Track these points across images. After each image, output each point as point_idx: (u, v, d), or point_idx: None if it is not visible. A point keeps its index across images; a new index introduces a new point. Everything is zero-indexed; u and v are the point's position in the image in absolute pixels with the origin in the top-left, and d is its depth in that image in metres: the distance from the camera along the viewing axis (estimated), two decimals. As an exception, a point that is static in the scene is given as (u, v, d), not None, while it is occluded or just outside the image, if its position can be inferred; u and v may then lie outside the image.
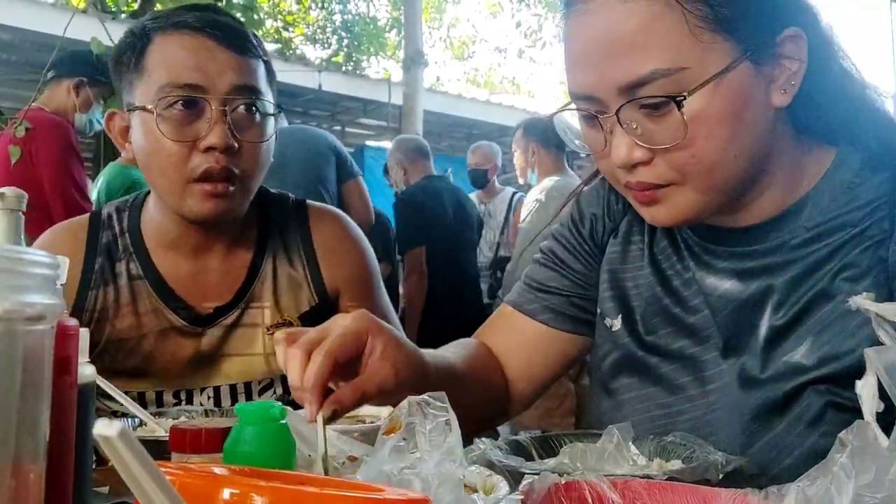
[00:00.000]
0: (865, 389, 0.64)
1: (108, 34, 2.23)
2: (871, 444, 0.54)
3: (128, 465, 0.34)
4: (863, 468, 0.53)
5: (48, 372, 0.45)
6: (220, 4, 2.39)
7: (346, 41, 13.84)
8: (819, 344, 0.83)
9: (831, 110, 0.87)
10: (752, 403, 0.85)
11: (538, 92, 19.45)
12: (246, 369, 1.27)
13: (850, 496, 0.52)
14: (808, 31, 0.81)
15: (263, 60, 1.22)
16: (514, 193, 4.59)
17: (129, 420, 1.04)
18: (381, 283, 1.43)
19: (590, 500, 0.60)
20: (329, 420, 0.74)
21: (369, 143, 9.27)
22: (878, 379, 0.63)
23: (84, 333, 0.54)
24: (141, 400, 1.24)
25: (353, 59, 13.57)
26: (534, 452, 0.82)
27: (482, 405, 1.02)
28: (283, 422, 0.67)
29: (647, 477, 0.66)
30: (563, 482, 0.62)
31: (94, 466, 0.75)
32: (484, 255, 4.40)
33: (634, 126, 0.80)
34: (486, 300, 4.12)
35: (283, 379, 1.29)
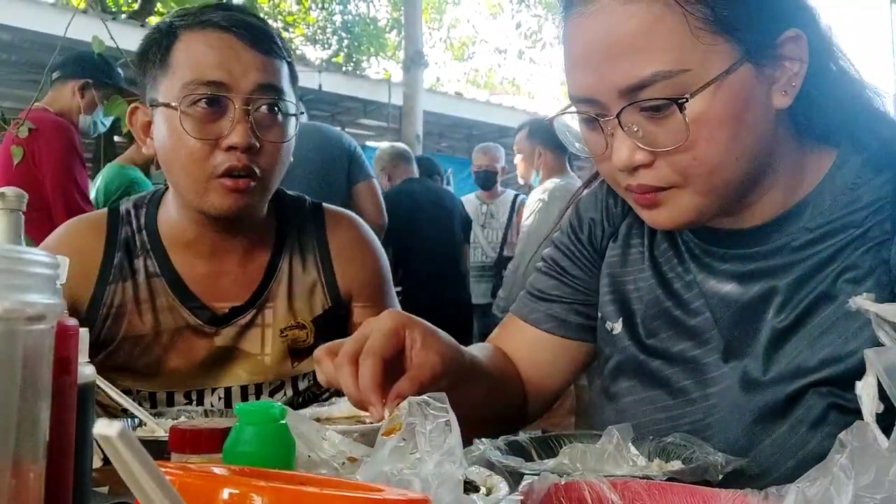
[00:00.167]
0: (865, 390, 0.64)
1: (109, 34, 2.23)
2: (871, 444, 0.54)
3: (128, 465, 0.34)
4: (862, 469, 0.53)
5: (48, 372, 0.45)
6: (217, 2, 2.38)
7: (346, 42, 13.85)
8: (821, 346, 0.83)
9: (832, 111, 0.87)
10: (754, 406, 0.85)
11: (538, 93, 19.47)
12: (258, 370, 1.27)
13: (849, 497, 0.52)
14: (808, 32, 0.81)
15: (287, 61, 1.23)
16: (515, 195, 4.67)
17: (129, 420, 1.04)
18: (392, 287, 1.44)
19: (589, 501, 0.60)
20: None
21: (369, 143, 9.27)
22: (878, 380, 0.63)
23: (84, 333, 0.54)
24: (152, 400, 1.25)
25: (354, 59, 13.58)
26: (533, 453, 0.82)
27: (510, 400, 1.04)
28: (283, 422, 0.67)
29: (647, 478, 0.66)
30: (563, 483, 0.62)
31: (101, 465, 0.75)
32: (487, 254, 4.48)
33: (636, 129, 0.80)
34: (488, 299, 4.19)
35: (294, 380, 1.30)
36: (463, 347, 0.93)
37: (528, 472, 0.69)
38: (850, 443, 0.54)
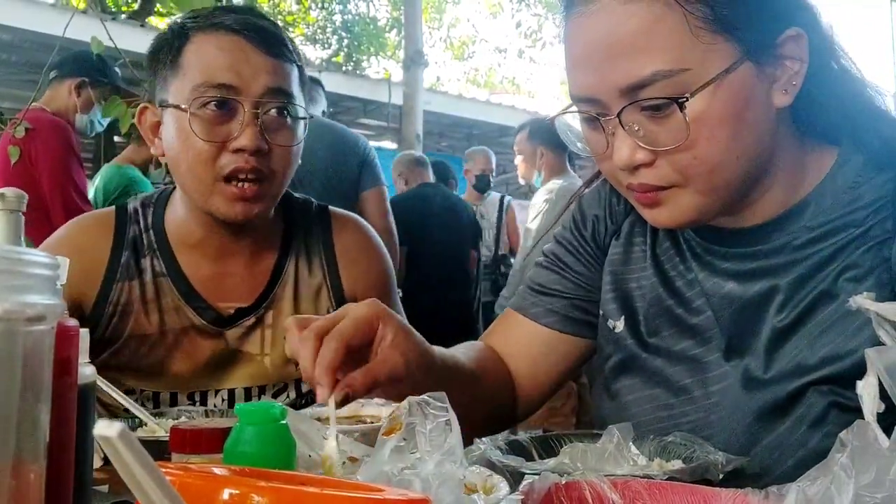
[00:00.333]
0: (866, 390, 0.64)
1: (108, 34, 2.22)
2: (872, 444, 0.54)
3: (128, 466, 0.34)
4: (863, 468, 0.53)
5: (48, 372, 0.45)
6: (219, 4, 2.38)
7: (346, 41, 13.85)
8: (822, 344, 0.83)
9: (832, 110, 0.87)
10: (755, 404, 0.85)
11: (538, 92, 19.47)
12: (261, 372, 1.28)
13: (850, 496, 0.52)
14: (808, 31, 0.81)
15: (297, 65, 1.23)
16: (501, 197, 4.92)
17: (130, 420, 1.04)
18: (396, 291, 1.44)
19: (590, 500, 0.60)
20: (340, 404, 0.76)
21: (370, 143, 9.28)
22: (879, 379, 0.63)
23: (84, 334, 0.54)
24: (155, 400, 1.25)
25: (354, 59, 13.59)
26: (534, 452, 0.82)
27: (490, 405, 1.03)
28: (284, 422, 0.67)
29: (648, 477, 0.66)
30: (564, 482, 0.62)
31: (100, 465, 0.75)
32: (482, 254, 4.58)
33: (636, 128, 0.80)
34: (488, 297, 4.31)
35: (297, 383, 1.30)
36: (439, 351, 0.93)
37: (528, 471, 0.69)
38: (851, 442, 0.54)
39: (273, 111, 1.18)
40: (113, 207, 1.32)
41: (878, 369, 0.62)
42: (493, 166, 4.93)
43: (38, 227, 1.95)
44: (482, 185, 4.90)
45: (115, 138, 4.79)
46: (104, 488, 0.78)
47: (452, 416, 0.66)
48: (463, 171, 5.08)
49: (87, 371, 0.56)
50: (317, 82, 3.30)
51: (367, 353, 0.82)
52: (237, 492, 0.42)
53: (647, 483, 0.64)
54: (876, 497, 0.51)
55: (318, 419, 0.93)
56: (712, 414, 0.88)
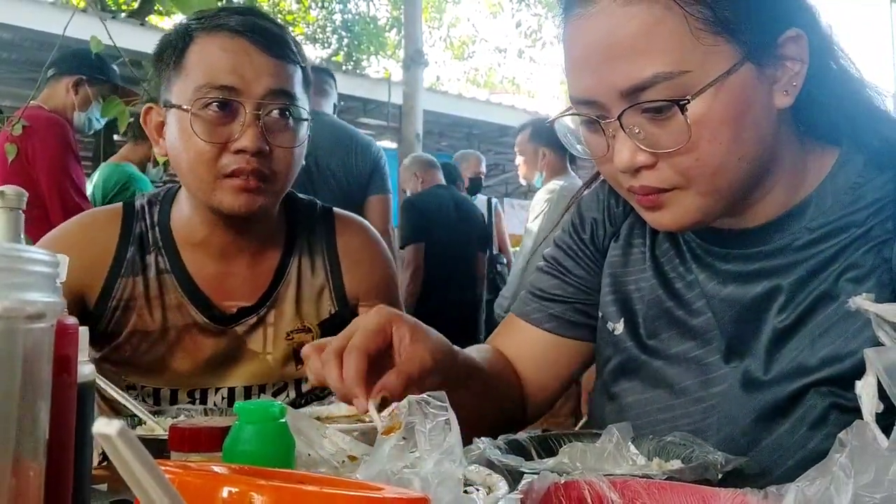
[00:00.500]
0: (865, 390, 0.64)
1: (108, 33, 2.22)
2: (871, 444, 0.54)
3: (127, 464, 0.34)
4: (862, 468, 0.53)
5: (48, 370, 0.45)
6: (219, 4, 2.38)
7: (346, 41, 13.85)
8: (822, 345, 0.83)
9: (833, 110, 0.87)
10: (755, 405, 0.85)
11: (538, 92, 19.47)
12: (262, 372, 1.28)
13: (849, 496, 0.52)
14: (808, 32, 0.81)
15: (301, 66, 1.23)
16: (489, 199, 5.09)
17: (129, 418, 1.04)
18: (398, 293, 1.45)
19: (589, 500, 0.60)
20: (381, 408, 0.76)
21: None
22: (878, 379, 0.63)
23: (84, 332, 0.54)
24: (156, 397, 1.25)
25: (353, 58, 13.58)
26: (533, 452, 0.82)
27: (503, 404, 1.03)
28: (283, 420, 0.67)
29: (647, 477, 0.66)
30: (563, 482, 0.62)
31: (102, 463, 0.75)
32: None
33: (637, 130, 0.80)
34: (486, 296, 4.41)
35: (297, 383, 1.30)
36: (457, 348, 0.93)
37: (527, 470, 0.69)
38: (850, 442, 0.54)
39: (275, 112, 1.18)
40: (121, 204, 1.33)
41: (877, 369, 0.62)
42: (484, 168, 5.11)
43: (36, 225, 1.95)
44: (475, 188, 5.04)
45: (115, 137, 4.78)
46: (103, 487, 0.78)
47: (452, 415, 0.66)
48: None
49: (86, 369, 0.56)
50: (328, 74, 3.30)
51: (390, 358, 0.82)
52: (236, 490, 0.42)
53: (647, 483, 0.64)
54: (875, 497, 0.51)
55: (318, 418, 0.93)
56: (712, 415, 0.88)
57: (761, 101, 0.80)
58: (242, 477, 0.49)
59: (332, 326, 1.31)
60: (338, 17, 14.12)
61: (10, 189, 0.73)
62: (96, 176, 3.34)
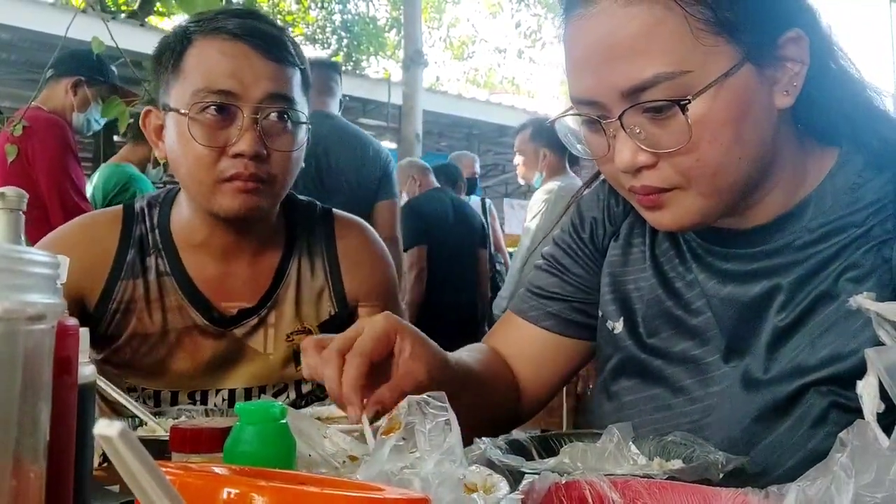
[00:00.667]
0: (866, 389, 0.64)
1: (109, 34, 2.23)
2: (872, 443, 0.54)
3: (128, 465, 0.34)
4: (863, 468, 0.53)
5: (48, 372, 0.45)
6: (219, 4, 2.38)
7: (345, 41, 13.85)
8: (822, 345, 0.83)
9: (833, 111, 0.87)
10: (755, 405, 0.85)
11: (538, 92, 19.47)
12: (262, 373, 1.28)
13: (850, 496, 0.52)
14: (809, 32, 0.81)
15: (300, 69, 1.23)
16: (483, 199, 5.28)
17: (130, 419, 1.04)
18: (398, 295, 1.45)
19: (590, 500, 0.60)
20: (373, 420, 0.75)
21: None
22: (879, 379, 0.63)
23: (84, 333, 0.54)
24: (156, 398, 1.25)
25: (353, 58, 13.59)
26: (534, 452, 0.82)
27: (498, 407, 1.03)
28: (284, 421, 0.67)
29: (648, 476, 0.66)
30: (564, 482, 0.62)
31: (101, 464, 0.75)
32: None
33: (638, 130, 0.80)
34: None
35: (297, 384, 1.31)
36: (451, 356, 0.93)
37: (528, 471, 0.69)
38: (851, 442, 0.54)
39: (273, 116, 1.18)
40: (121, 206, 1.33)
41: (878, 369, 0.62)
42: (478, 169, 5.28)
43: (36, 227, 1.95)
44: (470, 188, 5.13)
45: (115, 137, 4.78)
46: (115, 488, 0.78)
47: (452, 415, 0.66)
48: None
49: (86, 370, 0.56)
50: (335, 70, 3.29)
51: (387, 366, 0.82)
52: (237, 491, 0.42)
53: (647, 483, 0.64)
54: (876, 497, 0.51)
55: (318, 419, 0.93)
56: (712, 414, 0.88)
57: (762, 102, 0.80)
58: (243, 478, 0.49)
59: (331, 328, 1.31)
60: (337, 18, 14.13)
61: (10, 190, 0.74)
62: (96, 177, 3.34)
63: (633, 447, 0.81)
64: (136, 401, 1.09)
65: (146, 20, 5.97)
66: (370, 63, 14.83)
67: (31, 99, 2.76)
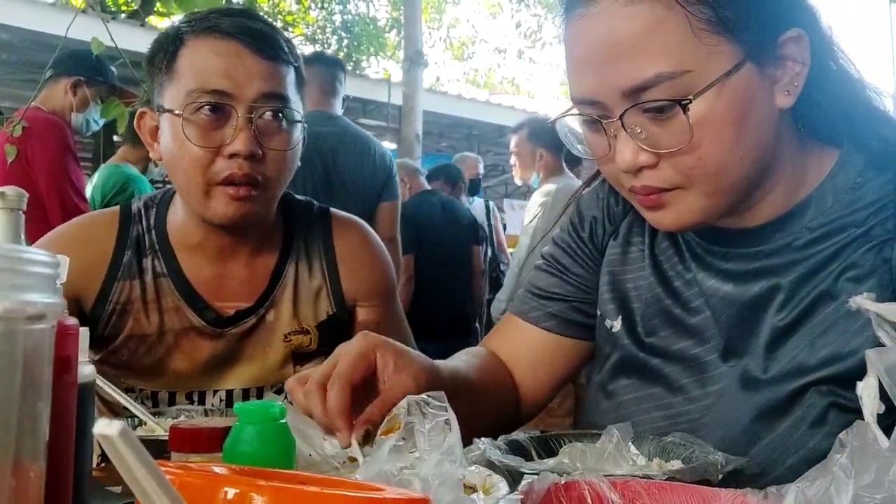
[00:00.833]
0: (866, 390, 0.64)
1: (109, 34, 2.22)
2: (871, 444, 0.54)
3: (128, 465, 0.34)
4: (862, 469, 0.53)
5: (48, 371, 0.45)
6: (219, 4, 2.38)
7: (345, 41, 13.85)
8: (822, 345, 0.83)
9: (833, 111, 0.87)
10: (754, 405, 0.85)
11: (538, 92, 19.46)
12: (260, 374, 1.28)
13: (849, 496, 0.52)
14: (809, 32, 0.81)
15: (294, 67, 1.22)
16: (486, 201, 5.37)
17: (130, 419, 1.05)
18: (397, 295, 1.45)
19: (589, 500, 0.60)
20: (364, 441, 0.75)
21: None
22: (879, 380, 0.63)
23: (84, 333, 0.54)
24: (154, 399, 1.25)
25: (353, 59, 13.58)
26: (533, 452, 0.82)
27: (494, 413, 1.03)
28: (283, 421, 0.67)
29: (647, 477, 0.66)
30: (563, 482, 0.62)
31: (100, 464, 0.75)
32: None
33: (639, 130, 0.80)
34: (488, 295, 4.51)
35: None
36: (443, 364, 0.93)
37: (527, 471, 0.69)
38: (850, 442, 0.54)
39: (267, 115, 1.17)
40: (118, 207, 1.33)
41: (878, 370, 0.62)
42: (482, 170, 5.32)
43: (35, 227, 1.95)
44: (474, 189, 5.17)
45: (115, 138, 4.79)
46: (117, 489, 0.78)
47: (451, 415, 0.66)
48: None
49: (86, 370, 0.56)
50: (340, 68, 3.29)
51: (375, 386, 0.82)
52: (237, 491, 0.42)
53: (647, 483, 0.64)
54: (875, 497, 0.51)
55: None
56: (710, 414, 0.88)
57: (763, 101, 0.80)
58: (243, 478, 0.49)
59: (329, 328, 1.31)
60: (337, 18, 14.14)
61: (10, 190, 0.74)
62: (96, 177, 3.34)
63: (632, 447, 0.81)
64: (134, 401, 1.09)
65: (146, 20, 5.97)
66: (370, 63, 14.85)
67: (31, 99, 2.76)
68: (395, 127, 7.73)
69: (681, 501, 0.62)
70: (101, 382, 1.01)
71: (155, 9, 5.95)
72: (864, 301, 0.69)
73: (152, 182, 3.40)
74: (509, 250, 5.22)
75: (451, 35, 18.31)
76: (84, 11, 3.77)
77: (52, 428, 0.45)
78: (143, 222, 1.29)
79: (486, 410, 0.99)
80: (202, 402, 1.26)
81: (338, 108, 3.16)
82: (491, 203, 5.46)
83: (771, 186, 0.88)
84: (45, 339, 0.44)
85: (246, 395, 1.28)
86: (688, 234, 0.96)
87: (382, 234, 2.20)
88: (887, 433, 0.56)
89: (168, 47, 1.19)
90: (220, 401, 1.27)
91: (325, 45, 13.78)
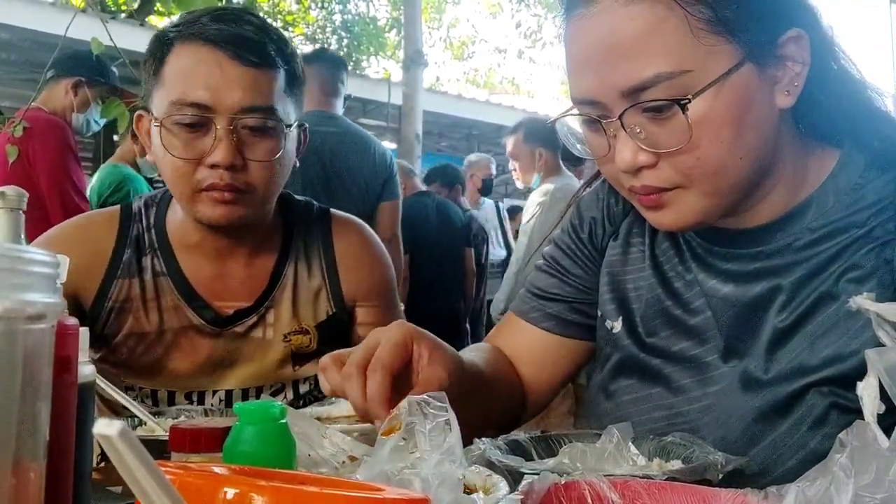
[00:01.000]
0: (866, 390, 0.64)
1: (108, 34, 2.22)
2: (871, 444, 0.54)
3: (128, 465, 0.34)
4: (863, 468, 0.53)
5: (48, 371, 0.45)
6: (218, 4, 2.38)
7: (345, 41, 13.85)
8: (823, 345, 0.83)
9: (834, 111, 0.87)
10: (755, 405, 0.85)
11: (538, 92, 19.46)
12: (259, 373, 1.28)
13: (849, 496, 0.52)
14: (809, 32, 0.81)
15: (285, 68, 1.20)
16: (496, 202, 5.47)
17: (129, 419, 1.05)
18: (397, 295, 1.44)
19: (589, 500, 0.60)
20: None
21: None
22: (879, 380, 0.63)
23: (84, 332, 0.54)
24: (153, 398, 1.25)
25: (353, 58, 13.58)
26: (533, 452, 0.82)
27: (505, 407, 1.03)
28: (283, 421, 0.67)
29: (647, 477, 0.66)
30: (563, 482, 0.62)
31: (100, 464, 0.75)
32: (493, 253, 5.11)
33: (638, 130, 0.80)
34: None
35: (294, 384, 1.30)
36: (461, 356, 0.93)
37: (528, 471, 0.69)
38: (851, 442, 0.54)
39: (250, 124, 1.16)
40: (119, 206, 1.33)
41: (878, 370, 0.62)
42: (494, 171, 5.35)
43: (37, 227, 1.95)
44: (487, 189, 5.23)
45: (115, 138, 4.79)
46: (117, 489, 0.78)
47: (452, 415, 0.66)
48: (468, 176, 5.34)
49: (86, 370, 0.56)
50: (343, 67, 3.29)
51: (406, 373, 0.82)
52: (237, 491, 0.42)
53: (647, 483, 0.64)
54: (875, 497, 0.51)
55: (318, 419, 0.93)
56: (710, 414, 0.88)
57: (763, 101, 0.80)
58: (243, 478, 0.49)
59: (329, 328, 1.31)
60: (337, 18, 14.14)
61: (10, 190, 0.74)
62: (95, 178, 3.34)
63: (632, 447, 0.81)
64: (134, 400, 1.09)
65: (146, 20, 5.97)
66: (370, 63, 14.85)
67: (31, 99, 2.76)
68: (395, 127, 7.73)
69: (681, 501, 0.62)
70: (102, 382, 1.01)
71: (154, 9, 5.95)
72: (864, 301, 0.69)
73: (151, 181, 3.40)
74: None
75: (451, 35, 18.32)
76: (84, 11, 3.77)
77: (52, 428, 0.45)
78: (143, 221, 1.29)
79: (499, 404, 1.00)
80: (202, 401, 1.26)
81: (338, 108, 3.16)
82: (501, 205, 5.55)
83: (771, 186, 0.87)
84: (45, 338, 0.44)
85: (245, 395, 1.28)
86: (688, 235, 0.96)
87: (383, 233, 2.21)
88: (887, 433, 0.56)
89: (156, 52, 1.19)
90: (220, 400, 1.27)
91: (325, 45, 13.77)
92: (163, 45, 1.18)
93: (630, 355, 0.97)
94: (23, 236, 0.76)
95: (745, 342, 0.88)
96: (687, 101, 0.76)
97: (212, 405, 1.25)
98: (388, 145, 4.86)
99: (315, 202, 1.40)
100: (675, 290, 0.95)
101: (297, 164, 1.28)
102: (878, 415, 0.64)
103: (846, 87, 0.87)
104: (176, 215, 1.28)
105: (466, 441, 0.69)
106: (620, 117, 0.80)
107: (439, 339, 0.86)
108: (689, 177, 0.81)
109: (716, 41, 0.77)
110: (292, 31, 13.11)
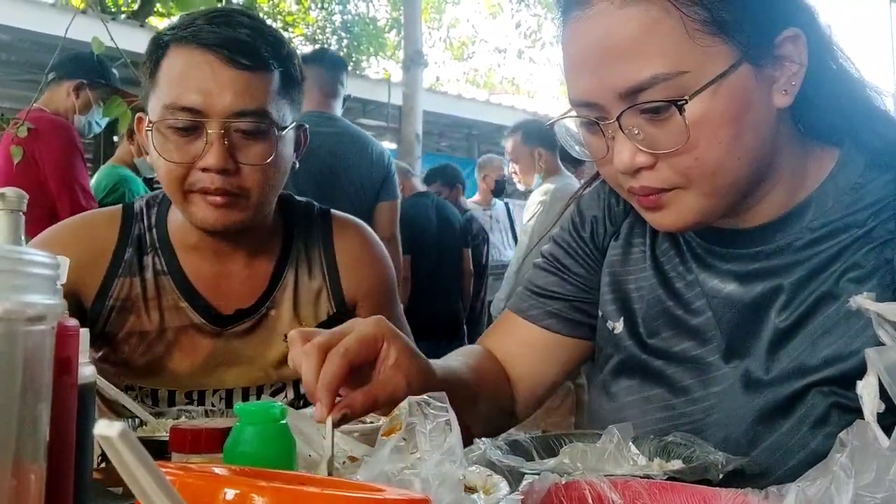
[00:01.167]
0: (866, 389, 0.64)
1: (109, 35, 2.22)
2: (872, 444, 0.54)
3: (128, 466, 0.34)
4: (863, 468, 0.53)
5: (48, 372, 0.45)
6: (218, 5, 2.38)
7: (345, 41, 13.85)
8: (824, 345, 0.83)
9: (833, 110, 0.87)
10: (756, 405, 0.85)
11: (538, 92, 19.46)
12: (259, 374, 1.28)
13: (850, 496, 0.52)
14: (807, 31, 0.81)
15: (281, 70, 1.19)
16: (506, 203, 5.48)
17: (130, 419, 1.05)
18: (398, 296, 1.44)
19: (590, 500, 0.60)
20: (338, 423, 0.74)
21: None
22: (880, 379, 0.63)
23: (84, 333, 0.54)
24: (154, 397, 1.25)
25: (353, 59, 13.58)
26: (534, 452, 0.82)
27: (490, 414, 1.02)
28: (284, 422, 0.67)
29: (648, 477, 0.66)
30: (564, 482, 0.62)
31: (100, 464, 0.75)
32: (502, 254, 5.20)
33: (636, 131, 0.80)
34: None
35: (295, 384, 1.30)
36: (440, 365, 0.92)
37: (528, 471, 0.69)
38: (851, 442, 0.54)
39: (243, 128, 1.15)
40: (121, 205, 1.33)
41: (878, 369, 0.62)
42: (506, 172, 5.44)
43: (42, 227, 1.95)
44: (500, 190, 5.30)
45: (115, 139, 4.79)
46: (117, 490, 0.78)
47: (452, 415, 0.66)
48: (481, 177, 5.40)
49: (87, 371, 0.56)
50: (343, 69, 3.29)
51: (369, 371, 0.81)
52: (237, 491, 0.42)
53: (647, 483, 0.64)
54: (876, 497, 0.52)
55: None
56: (712, 415, 0.88)
57: (760, 101, 0.80)
58: (243, 478, 0.49)
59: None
60: (337, 18, 14.13)
61: (10, 191, 0.74)
62: (93, 179, 3.35)
63: (632, 447, 0.81)
64: (134, 400, 1.09)
65: (146, 21, 5.97)
66: (370, 63, 14.84)
67: (33, 101, 2.76)
68: (395, 127, 7.73)
69: (681, 501, 0.62)
70: (102, 383, 1.01)
71: (155, 9, 5.96)
72: (864, 301, 0.69)
73: (149, 182, 3.41)
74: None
75: (451, 35, 18.32)
76: (84, 12, 3.77)
77: (53, 429, 0.45)
78: (145, 221, 1.30)
79: (480, 411, 0.99)
80: (202, 401, 1.26)
81: (337, 110, 3.15)
82: (510, 205, 5.56)
83: (771, 186, 0.88)
84: (45, 340, 0.44)
85: (245, 394, 1.28)
86: (689, 235, 0.96)
87: (381, 233, 2.20)
88: (888, 432, 0.56)
89: (152, 55, 1.19)
90: (220, 400, 1.27)
91: (325, 46, 13.78)
92: (158, 48, 1.19)
93: (631, 356, 0.97)
94: (23, 237, 0.76)
95: (746, 342, 0.88)
96: (684, 101, 0.76)
97: (212, 405, 1.25)
98: (388, 145, 4.87)
99: (316, 203, 1.40)
100: (676, 291, 0.95)
101: (297, 165, 1.28)
102: (879, 414, 0.64)
103: (845, 87, 0.87)
104: (177, 215, 1.28)
105: (467, 441, 0.69)
106: (618, 119, 0.80)
107: (414, 347, 0.85)
108: (687, 177, 0.81)
109: (712, 42, 0.77)
110: (292, 32, 13.10)
